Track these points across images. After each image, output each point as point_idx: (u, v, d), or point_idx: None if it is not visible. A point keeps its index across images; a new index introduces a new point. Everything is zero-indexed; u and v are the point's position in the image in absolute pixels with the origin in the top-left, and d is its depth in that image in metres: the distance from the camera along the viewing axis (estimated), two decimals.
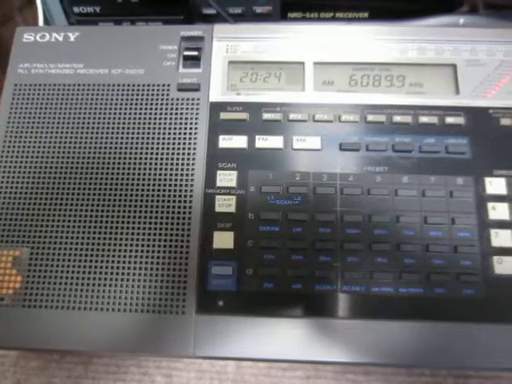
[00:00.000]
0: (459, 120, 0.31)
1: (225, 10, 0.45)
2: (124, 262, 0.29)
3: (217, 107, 0.32)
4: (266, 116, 0.32)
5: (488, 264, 0.28)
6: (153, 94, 0.32)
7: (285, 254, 0.29)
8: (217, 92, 0.33)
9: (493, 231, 0.29)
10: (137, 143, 0.31)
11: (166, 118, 0.32)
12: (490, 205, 0.29)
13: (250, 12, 0.46)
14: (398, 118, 0.31)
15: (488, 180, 0.30)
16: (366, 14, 0.46)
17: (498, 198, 0.30)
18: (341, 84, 0.33)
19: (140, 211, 0.30)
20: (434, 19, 0.45)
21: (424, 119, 0.31)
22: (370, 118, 0.31)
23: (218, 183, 0.30)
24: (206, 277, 0.29)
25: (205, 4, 0.45)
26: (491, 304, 0.28)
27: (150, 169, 0.31)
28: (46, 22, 0.48)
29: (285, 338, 0.28)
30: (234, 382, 0.34)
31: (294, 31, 0.34)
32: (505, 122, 0.31)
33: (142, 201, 0.30)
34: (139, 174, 0.31)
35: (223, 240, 0.29)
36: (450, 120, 0.31)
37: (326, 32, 0.34)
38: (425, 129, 0.31)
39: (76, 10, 0.46)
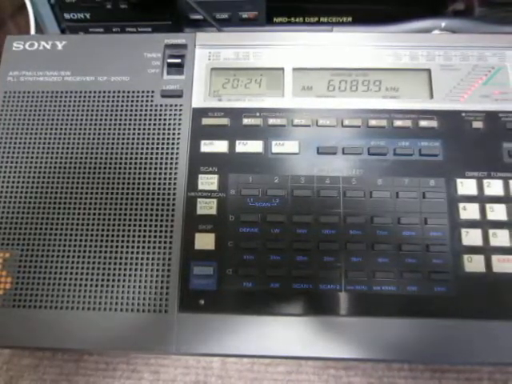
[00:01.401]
0: (432, 123, 0.32)
1: (211, 16, 0.46)
2: (109, 263, 0.30)
3: (199, 113, 0.33)
4: (246, 121, 0.33)
5: (458, 262, 0.30)
6: (137, 101, 0.34)
7: (263, 254, 0.30)
8: (199, 98, 0.34)
9: (463, 231, 0.30)
10: (122, 148, 0.33)
11: (149, 124, 0.33)
12: (461, 205, 0.31)
13: (237, 17, 0.47)
14: (373, 122, 0.32)
15: (459, 181, 0.31)
16: (349, 18, 0.47)
17: (469, 199, 0.31)
18: (319, 89, 0.34)
19: (125, 213, 0.31)
20: (416, 23, 0.47)
21: (398, 123, 0.32)
22: (347, 122, 0.32)
23: (200, 186, 0.31)
24: (188, 277, 0.30)
25: (192, 10, 0.46)
26: (461, 301, 0.29)
27: (135, 173, 0.32)
28: (38, 28, 0.49)
29: (264, 334, 0.29)
30: (218, 377, 0.35)
31: (274, 38, 0.35)
32: (476, 124, 0.32)
33: (126, 203, 0.31)
34: (124, 178, 0.32)
35: (204, 241, 0.30)
36: (423, 123, 0.32)
37: (305, 39, 0.35)
38: (399, 132, 0.32)
39: (67, 16, 0.48)
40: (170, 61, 0.34)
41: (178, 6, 0.46)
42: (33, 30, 0.47)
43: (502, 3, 0.44)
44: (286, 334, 0.29)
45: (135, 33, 0.48)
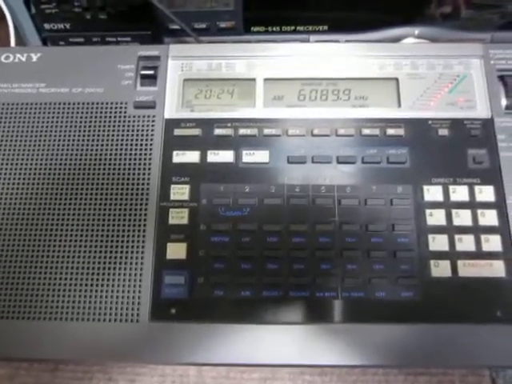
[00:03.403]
0: (400, 131, 0.33)
1: (189, 26, 0.47)
2: (81, 273, 0.31)
3: (171, 124, 0.34)
4: (217, 131, 0.33)
5: (425, 267, 0.30)
6: (111, 112, 0.34)
7: (234, 262, 0.30)
8: (172, 109, 0.34)
9: (430, 236, 0.31)
10: (95, 159, 0.33)
11: (123, 135, 0.33)
12: (427, 211, 0.31)
13: (215, 27, 0.48)
14: (342, 131, 0.33)
15: (426, 188, 0.32)
16: (325, 27, 0.48)
17: (435, 205, 0.31)
18: (290, 99, 0.35)
19: (97, 223, 0.32)
20: (390, 31, 0.47)
21: (367, 131, 0.33)
22: (316, 131, 0.33)
23: (172, 196, 0.32)
24: (160, 286, 0.30)
25: (171, 20, 0.46)
26: (428, 305, 0.29)
27: (108, 183, 0.32)
28: (19, 38, 0.50)
29: (236, 342, 0.29)
30: None
31: (246, 49, 0.36)
32: (442, 132, 0.33)
33: (99, 214, 0.32)
34: (97, 189, 0.32)
35: (176, 251, 0.31)
36: (391, 131, 0.33)
37: (276, 49, 0.36)
38: (367, 140, 0.33)
39: (47, 26, 0.48)
40: (143, 72, 0.35)
41: (156, 16, 0.47)
42: (13, 42, 0.47)
43: (487, 5, 0.45)
44: (258, 341, 0.29)
45: (115, 42, 0.49)
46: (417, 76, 0.34)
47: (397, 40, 0.45)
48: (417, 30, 0.47)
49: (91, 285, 0.30)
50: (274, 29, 0.48)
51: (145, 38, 0.48)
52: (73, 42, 0.49)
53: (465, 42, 0.44)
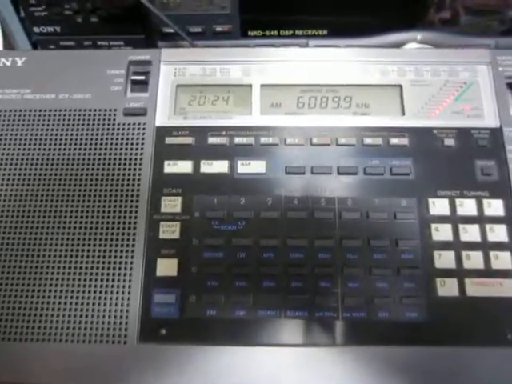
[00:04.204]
0: (403, 141, 0.31)
1: (184, 29, 0.45)
2: (66, 291, 0.29)
3: (163, 132, 0.32)
4: (211, 140, 0.32)
5: (431, 286, 0.28)
6: (99, 119, 0.32)
7: (228, 280, 0.29)
8: (164, 116, 0.33)
9: (436, 253, 0.29)
10: (82, 169, 0.31)
11: (111, 144, 0.32)
12: (433, 226, 0.29)
13: (210, 31, 0.46)
14: (342, 140, 0.31)
15: (431, 201, 0.30)
16: (324, 31, 0.46)
17: (442, 219, 0.30)
18: (288, 106, 0.33)
19: (83, 238, 0.30)
20: (392, 36, 0.46)
21: (369, 140, 0.31)
22: (315, 140, 0.31)
23: (163, 209, 0.30)
24: (149, 305, 0.28)
25: (165, 24, 0.45)
26: (434, 327, 0.28)
27: (95, 195, 0.31)
28: (8, 42, 0.48)
29: (228, 366, 0.27)
30: None
31: (242, 54, 0.34)
32: (448, 142, 0.31)
33: (85, 227, 0.30)
34: (84, 201, 0.30)
35: (167, 267, 0.29)
36: (394, 141, 0.31)
37: (274, 54, 0.34)
38: (370, 150, 0.31)
39: (36, 30, 0.47)
40: (133, 78, 0.33)
41: (150, 20, 0.45)
42: (1, 46, 0.46)
43: (486, 11, 0.44)
44: (253, 365, 0.27)
45: (107, 46, 0.47)
46: (421, 83, 0.33)
47: (399, 45, 0.44)
48: (419, 35, 0.45)
49: (76, 303, 0.29)
50: (272, 33, 0.47)
51: (138, 41, 0.47)
52: (63, 46, 0.47)
53: (469, 47, 0.43)
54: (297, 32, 0.47)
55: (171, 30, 0.46)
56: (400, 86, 0.33)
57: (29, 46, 0.48)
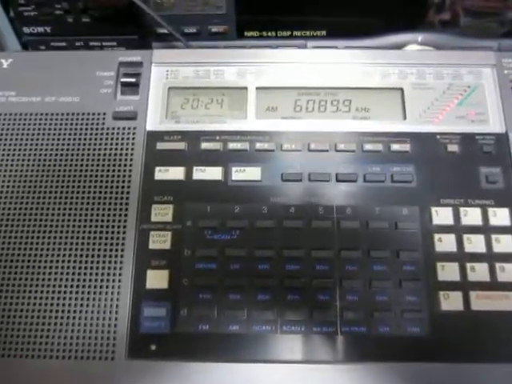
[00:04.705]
0: (405, 147, 0.30)
1: (179, 30, 0.44)
2: (50, 304, 0.27)
3: (154, 137, 0.31)
4: (204, 145, 0.30)
5: (434, 300, 0.27)
6: (87, 123, 0.31)
7: (221, 292, 0.27)
8: (155, 120, 0.31)
9: (439, 264, 0.28)
10: (69, 175, 0.30)
11: (100, 149, 0.30)
12: (436, 236, 0.28)
13: (206, 31, 0.45)
14: (341, 146, 0.30)
15: (434, 210, 0.29)
16: (323, 32, 0.45)
17: (445, 229, 0.28)
18: (285, 110, 0.32)
19: (70, 248, 0.28)
20: (392, 37, 0.45)
21: (369, 146, 0.30)
22: (313, 146, 0.30)
23: (153, 218, 0.29)
24: (138, 319, 0.27)
25: (159, 24, 0.43)
26: (437, 343, 0.26)
27: (83, 203, 0.29)
28: None
29: (221, 383, 0.26)
30: None
31: (236, 56, 0.33)
32: (452, 148, 0.30)
33: (72, 237, 0.29)
34: (70, 209, 0.29)
35: (157, 279, 0.28)
36: (395, 147, 0.30)
37: (270, 56, 0.33)
38: (370, 156, 0.30)
39: (26, 30, 0.45)
40: (123, 80, 0.32)
41: (144, 20, 0.44)
42: None
43: (485, 13, 0.43)
44: (247, 382, 0.26)
45: (99, 47, 0.46)
46: (423, 86, 0.32)
47: (399, 47, 0.42)
48: (420, 37, 0.44)
49: (61, 317, 0.27)
50: (269, 34, 0.45)
51: (131, 42, 0.45)
52: (54, 47, 0.46)
53: (471, 49, 0.42)
54: (295, 33, 0.45)
55: (165, 31, 0.45)
56: (401, 90, 0.32)
57: (19, 47, 0.46)
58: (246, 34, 0.45)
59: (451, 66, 0.32)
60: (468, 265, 0.28)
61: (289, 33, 0.45)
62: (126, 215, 0.29)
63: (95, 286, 0.28)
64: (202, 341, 0.27)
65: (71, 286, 0.28)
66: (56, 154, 0.30)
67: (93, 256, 0.28)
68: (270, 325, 0.27)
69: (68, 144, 0.31)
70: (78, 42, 0.46)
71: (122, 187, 0.29)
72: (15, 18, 0.44)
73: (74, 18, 0.43)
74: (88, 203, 0.29)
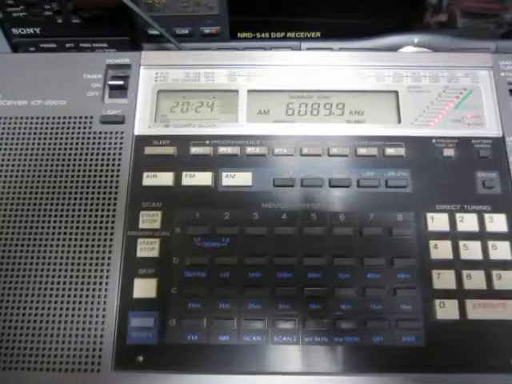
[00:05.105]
0: (400, 151, 0.29)
1: (171, 31, 0.43)
2: (34, 314, 0.27)
3: (142, 141, 0.30)
4: (194, 150, 0.30)
5: (429, 308, 0.26)
6: (74, 128, 0.30)
7: (211, 302, 0.27)
8: (143, 124, 0.31)
9: (435, 272, 0.27)
10: (54, 181, 0.29)
11: (87, 154, 0.30)
12: (431, 243, 0.28)
13: (198, 33, 0.44)
14: (335, 150, 0.29)
15: (430, 216, 0.28)
16: (318, 34, 0.45)
17: (440, 236, 0.28)
18: (277, 113, 0.31)
19: (55, 256, 0.28)
20: (387, 38, 0.44)
21: (363, 151, 0.29)
22: (306, 150, 0.29)
23: (141, 225, 0.28)
24: (125, 329, 0.26)
25: (150, 25, 0.43)
26: (433, 353, 0.26)
27: (68, 209, 0.28)
28: None
29: None
30: None
31: (227, 58, 0.32)
32: (448, 152, 0.29)
33: (58, 245, 0.28)
34: (56, 216, 0.28)
35: (145, 288, 0.27)
36: (390, 151, 0.29)
37: (261, 58, 0.32)
38: (364, 161, 0.29)
39: (15, 31, 0.44)
40: (111, 83, 0.31)
41: (135, 21, 0.43)
42: None
43: (483, 14, 0.42)
44: None
45: (90, 49, 0.45)
46: (419, 89, 0.31)
47: (395, 48, 0.42)
48: (416, 38, 0.43)
49: (46, 328, 0.26)
50: (263, 35, 0.45)
51: (123, 43, 0.45)
52: (45, 48, 0.45)
53: (468, 51, 0.41)
54: (289, 34, 0.45)
55: (156, 32, 0.44)
56: (396, 92, 0.31)
57: (8, 49, 0.46)
58: (239, 35, 0.45)
59: (447, 69, 0.31)
60: (464, 272, 0.27)
61: (282, 34, 0.45)
62: (113, 222, 0.28)
63: (81, 296, 0.27)
64: (190, 352, 0.26)
65: (56, 296, 0.27)
66: (42, 159, 0.30)
67: (78, 264, 0.27)
68: (261, 335, 0.26)
69: (54, 149, 0.30)
70: (68, 43, 0.45)
71: (110, 193, 0.29)
72: (4, 19, 0.43)
73: (64, 18, 0.43)
74: (74, 209, 0.28)
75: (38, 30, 0.44)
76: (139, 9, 0.39)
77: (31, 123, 0.30)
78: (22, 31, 0.44)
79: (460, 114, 0.30)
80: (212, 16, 0.43)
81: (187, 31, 0.44)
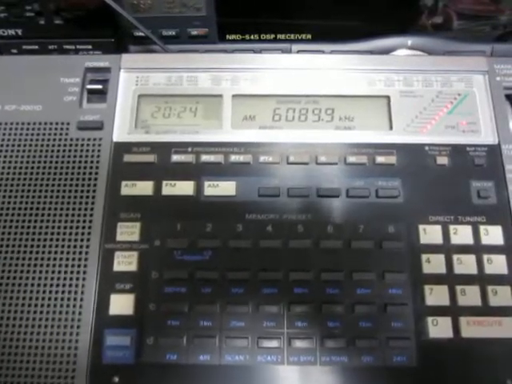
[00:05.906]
0: (391, 159, 0.28)
1: (157, 33, 0.42)
2: (5, 333, 0.25)
3: (121, 148, 0.29)
4: (175, 158, 0.28)
5: (421, 326, 0.25)
6: (50, 134, 0.29)
7: (191, 319, 0.25)
8: (123, 130, 0.29)
9: (427, 287, 0.26)
10: (28, 190, 0.28)
11: (63, 162, 0.28)
12: (424, 256, 0.26)
13: (185, 34, 0.43)
14: (323, 158, 0.28)
15: (422, 227, 0.27)
16: (309, 36, 0.43)
17: (433, 249, 0.27)
18: (263, 119, 0.30)
19: (28, 270, 0.26)
20: (380, 41, 0.43)
21: (352, 159, 0.28)
22: (292, 158, 0.28)
23: (119, 237, 0.27)
24: (101, 348, 0.25)
25: (136, 26, 0.41)
26: (425, 373, 0.24)
27: (42, 220, 0.27)
28: None
29: None
30: None
31: (211, 61, 0.31)
32: (441, 160, 0.28)
33: (30, 258, 0.26)
34: (29, 227, 0.27)
35: (121, 304, 0.26)
36: (381, 159, 0.28)
37: (247, 61, 0.31)
38: (353, 169, 0.28)
39: None
40: (90, 87, 0.30)
41: (120, 22, 0.42)
42: None
43: (478, 16, 0.41)
44: None
45: (74, 50, 0.44)
46: (411, 94, 0.30)
47: (388, 51, 0.41)
48: (410, 41, 0.42)
49: (16, 347, 0.25)
50: (252, 37, 0.44)
51: (108, 45, 0.43)
52: (27, 50, 0.44)
53: (463, 54, 0.40)
54: (279, 36, 0.44)
55: (142, 34, 0.43)
56: (387, 97, 0.30)
57: None
58: (227, 37, 0.43)
59: (441, 73, 0.30)
60: (458, 288, 0.26)
61: (272, 36, 0.44)
62: (89, 233, 0.27)
63: (54, 312, 0.25)
64: (169, 372, 0.25)
65: (28, 312, 0.26)
66: (15, 167, 0.28)
67: (52, 279, 0.26)
68: (243, 354, 0.25)
69: (29, 156, 0.29)
70: (51, 45, 0.44)
71: (86, 203, 0.27)
72: None
73: (46, 19, 0.41)
74: (48, 220, 0.27)
75: (19, 32, 0.43)
76: (122, 9, 0.38)
77: (5, 129, 0.29)
78: (3, 32, 0.43)
79: (454, 120, 0.29)
80: (199, 17, 0.41)
81: (174, 33, 0.43)
